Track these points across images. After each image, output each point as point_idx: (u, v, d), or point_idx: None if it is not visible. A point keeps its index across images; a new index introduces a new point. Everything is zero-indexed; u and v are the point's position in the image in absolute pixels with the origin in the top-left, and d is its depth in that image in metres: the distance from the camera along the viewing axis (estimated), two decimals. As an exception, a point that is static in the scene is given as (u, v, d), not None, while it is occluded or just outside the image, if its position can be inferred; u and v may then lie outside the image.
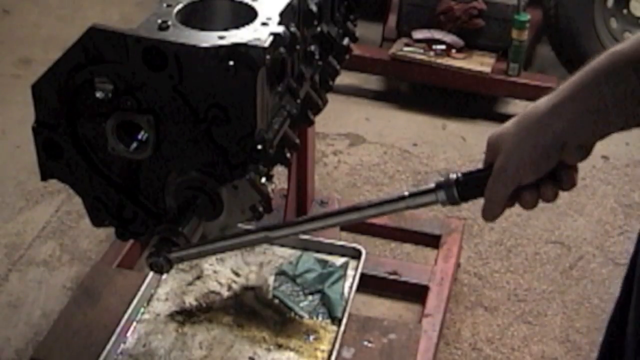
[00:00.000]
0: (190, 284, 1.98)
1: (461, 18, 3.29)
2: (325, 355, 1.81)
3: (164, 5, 1.43)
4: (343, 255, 2.08)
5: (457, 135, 3.18)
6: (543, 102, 1.04)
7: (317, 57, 1.63)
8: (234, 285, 1.98)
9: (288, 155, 1.55)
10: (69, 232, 2.57)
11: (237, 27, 1.37)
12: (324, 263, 2.05)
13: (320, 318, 1.91)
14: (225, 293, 1.96)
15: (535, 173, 1.04)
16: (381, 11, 3.55)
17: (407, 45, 3.33)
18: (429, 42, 3.30)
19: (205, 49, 1.28)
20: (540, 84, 3.23)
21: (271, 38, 1.30)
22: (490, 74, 3.23)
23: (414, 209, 1.20)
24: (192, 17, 1.44)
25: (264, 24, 1.38)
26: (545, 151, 1.02)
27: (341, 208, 1.26)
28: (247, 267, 2.04)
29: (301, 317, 1.90)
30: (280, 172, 2.31)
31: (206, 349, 1.81)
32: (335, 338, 1.84)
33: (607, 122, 0.98)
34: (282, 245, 2.10)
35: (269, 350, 1.81)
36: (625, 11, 3.39)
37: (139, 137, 1.40)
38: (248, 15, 1.42)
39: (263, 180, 1.45)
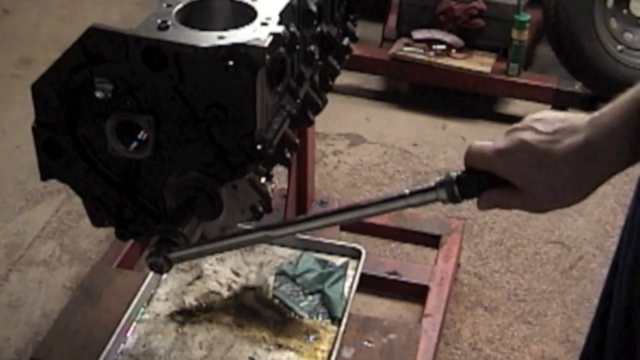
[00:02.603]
0: (190, 284, 1.98)
1: (461, 18, 3.29)
2: (325, 355, 1.81)
3: (164, 5, 1.43)
4: (343, 255, 2.08)
5: (457, 135, 3.18)
6: (578, 126, 0.99)
7: (316, 57, 1.63)
8: (234, 285, 1.98)
9: (288, 155, 1.55)
10: (69, 232, 2.57)
11: (236, 27, 1.37)
12: (324, 263, 2.05)
13: (320, 318, 1.91)
14: (225, 293, 1.96)
15: (578, 200, 1.03)
16: (381, 11, 3.55)
17: (407, 45, 3.33)
18: (429, 42, 3.30)
19: (205, 49, 1.28)
20: (540, 84, 3.23)
21: (271, 38, 1.30)
22: (490, 74, 3.23)
23: (415, 207, 1.20)
24: (192, 17, 1.44)
25: (263, 23, 1.38)
26: (586, 191, 1.01)
27: (342, 207, 1.26)
28: (247, 267, 2.04)
29: (301, 317, 1.90)
30: (280, 172, 2.31)
31: (206, 349, 1.81)
32: (335, 338, 1.84)
33: None
34: (282, 245, 2.10)
35: (269, 350, 1.81)
36: (625, 11, 3.39)
37: (139, 137, 1.40)
38: (248, 15, 1.42)
39: (263, 180, 1.45)
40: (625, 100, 0.97)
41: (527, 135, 1.02)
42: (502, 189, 1.07)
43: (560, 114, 1.04)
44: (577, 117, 1.01)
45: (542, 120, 1.02)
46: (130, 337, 1.84)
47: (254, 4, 1.45)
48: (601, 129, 0.98)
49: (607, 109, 0.99)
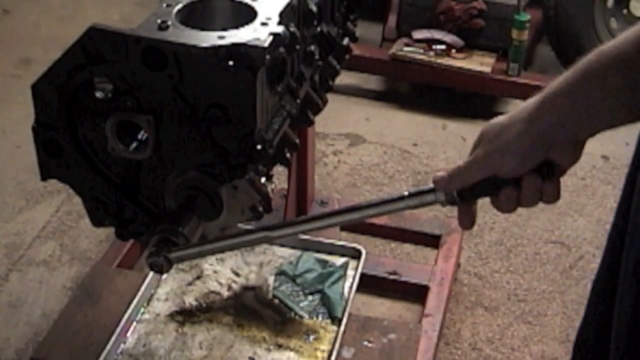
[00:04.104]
0: (190, 284, 1.99)
1: (461, 18, 3.29)
2: (325, 355, 1.81)
3: (164, 5, 1.43)
4: (343, 255, 2.08)
5: (457, 135, 3.18)
6: (534, 98, 1.06)
7: (317, 57, 1.63)
8: (234, 285, 1.98)
9: (288, 155, 1.55)
10: (69, 232, 2.57)
11: (236, 27, 1.37)
12: (324, 263, 2.05)
13: (320, 318, 1.91)
14: (225, 293, 1.96)
15: (519, 164, 1.05)
16: (381, 11, 3.55)
17: (407, 45, 3.33)
18: (429, 42, 3.30)
19: (205, 49, 1.28)
20: (540, 84, 3.17)
21: (271, 38, 1.30)
22: (490, 74, 3.23)
23: (413, 209, 1.20)
24: (192, 17, 1.44)
25: (263, 23, 1.38)
26: (534, 142, 1.03)
27: (341, 208, 1.26)
28: (247, 267, 2.04)
29: (301, 317, 1.90)
30: (280, 172, 2.31)
31: (206, 349, 1.81)
32: (335, 338, 1.84)
33: (595, 119, 1.00)
34: (282, 245, 2.10)
35: (269, 350, 1.81)
36: (625, 11, 3.39)
37: (139, 137, 1.40)
38: (248, 15, 1.42)
39: (263, 180, 1.45)
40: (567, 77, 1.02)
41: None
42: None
43: None
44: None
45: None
46: (130, 337, 1.84)
47: (254, 4, 1.45)
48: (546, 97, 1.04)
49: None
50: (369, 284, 2.21)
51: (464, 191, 1.13)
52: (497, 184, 1.09)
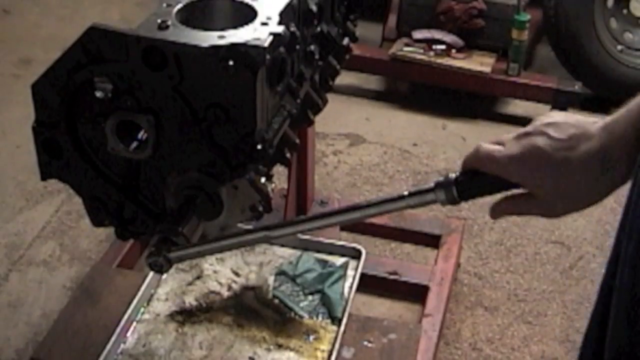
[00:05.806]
0: (190, 284, 1.98)
1: (461, 18, 3.29)
2: (325, 355, 1.81)
3: (164, 5, 1.43)
4: (343, 255, 2.08)
5: (457, 135, 3.18)
6: (586, 142, 1.00)
7: (317, 57, 1.63)
8: (234, 285, 1.98)
9: (288, 155, 1.55)
10: (69, 232, 2.57)
11: (237, 26, 1.37)
12: (324, 263, 2.04)
13: (320, 318, 1.91)
14: (225, 293, 1.96)
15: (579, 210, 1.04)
16: (381, 11, 3.55)
17: (407, 45, 3.33)
18: (429, 42, 3.30)
19: (205, 48, 1.28)
20: (540, 84, 3.23)
21: (271, 38, 1.30)
22: (490, 74, 3.23)
23: (414, 208, 1.20)
24: (192, 17, 1.44)
25: (263, 23, 1.38)
26: (601, 197, 1.02)
27: (341, 207, 1.26)
28: (247, 267, 2.04)
29: (301, 317, 1.90)
30: (280, 172, 2.31)
31: (206, 349, 1.81)
32: (335, 338, 1.84)
33: None
34: (282, 245, 2.10)
35: (269, 350, 1.81)
36: (625, 11, 3.39)
37: (139, 136, 1.40)
38: (248, 15, 1.42)
39: (263, 180, 1.45)
40: (637, 104, 0.97)
41: (541, 142, 1.01)
42: (515, 197, 1.07)
43: (571, 118, 1.03)
44: (588, 122, 1.01)
45: (554, 125, 1.01)
46: (130, 337, 1.84)
47: (254, 4, 1.45)
48: (615, 137, 0.97)
49: (620, 115, 0.98)
50: (369, 284, 2.21)
51: (464, 191, 1.13)
52: (505, 187, 1.09)
